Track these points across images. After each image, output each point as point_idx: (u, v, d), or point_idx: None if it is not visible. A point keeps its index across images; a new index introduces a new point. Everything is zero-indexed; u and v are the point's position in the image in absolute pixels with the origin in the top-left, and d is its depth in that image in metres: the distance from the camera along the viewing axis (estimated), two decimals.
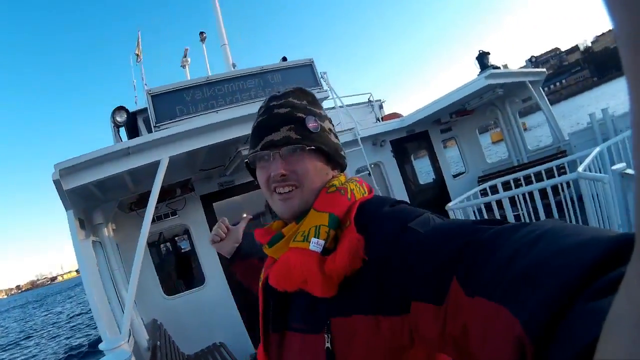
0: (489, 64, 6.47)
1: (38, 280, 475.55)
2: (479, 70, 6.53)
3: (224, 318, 4.89)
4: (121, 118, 4.31)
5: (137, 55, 7.94)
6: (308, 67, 4.10)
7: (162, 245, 7.72)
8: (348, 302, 0.60)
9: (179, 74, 8.25)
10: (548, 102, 6.97)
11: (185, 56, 8.13)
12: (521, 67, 8.37)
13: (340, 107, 6.42)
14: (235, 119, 3.45)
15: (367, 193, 0.74)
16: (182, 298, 4.96)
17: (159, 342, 3.59)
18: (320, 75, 4.19)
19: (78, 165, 2.92)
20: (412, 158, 7.88)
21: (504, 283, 0.38)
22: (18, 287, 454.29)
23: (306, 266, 0.62)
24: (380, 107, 9.00)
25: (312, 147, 0.74)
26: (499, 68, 6.42)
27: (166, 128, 3.41)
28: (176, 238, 7.47)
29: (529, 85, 6.61)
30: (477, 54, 6.72)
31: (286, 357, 0.71)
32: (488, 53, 6.62)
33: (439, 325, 0.46)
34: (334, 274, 0.59)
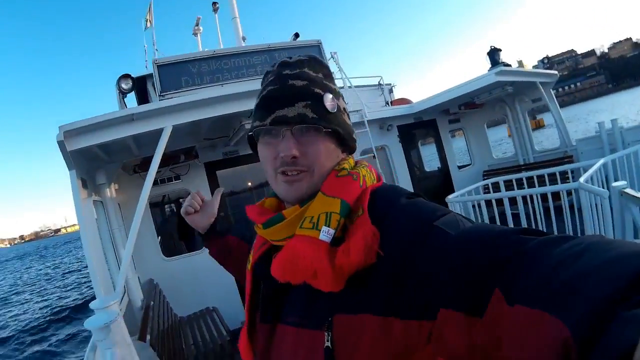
0: (500, 61, 6.36)
1: (42, 231, 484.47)
2: (490, 65, 6.42)
3: (219, 284, 4.91)
4: (126, 85, 4.35)
5: (147, 20, 7.89)
6: (315, 48, 4.09)
7: (166, 206, 7.87)
8: (357, 298, 0.54)
9: (190, 41, 8.20)
10: (557, 105, 6.86)
11: (197, 25, 8.07)
12: (533, 67, 8.23)
13: (349, 87, 6.38)
14: (240, 94, 3.46)
15: (376, 181, 0.69)
16: (180, 260, 5.07)
17: (152, 302, 3.70)
18: (330, 56, 4.16)
19: (82, 128, 2.96)
20: (419, 144, 7.86)
21: (547, 292, 0.37)
22: (22, 237, 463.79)
23: (317, 259, 0.56)
24: (390, 91, 8.88)
25: (329, 130, 0.67)
26: (509, 65, 6.31)
27: (171, 97, 3.45)
28: (180, 200, 7.57)
29: (540, 86, 6.51)
30: (489, 48, 6.60)
31: (275, 352, 0.65)
32: (500, 49, 6.49)
33: (470, 336, 0.43)
34: (346, 268, 0.54)
